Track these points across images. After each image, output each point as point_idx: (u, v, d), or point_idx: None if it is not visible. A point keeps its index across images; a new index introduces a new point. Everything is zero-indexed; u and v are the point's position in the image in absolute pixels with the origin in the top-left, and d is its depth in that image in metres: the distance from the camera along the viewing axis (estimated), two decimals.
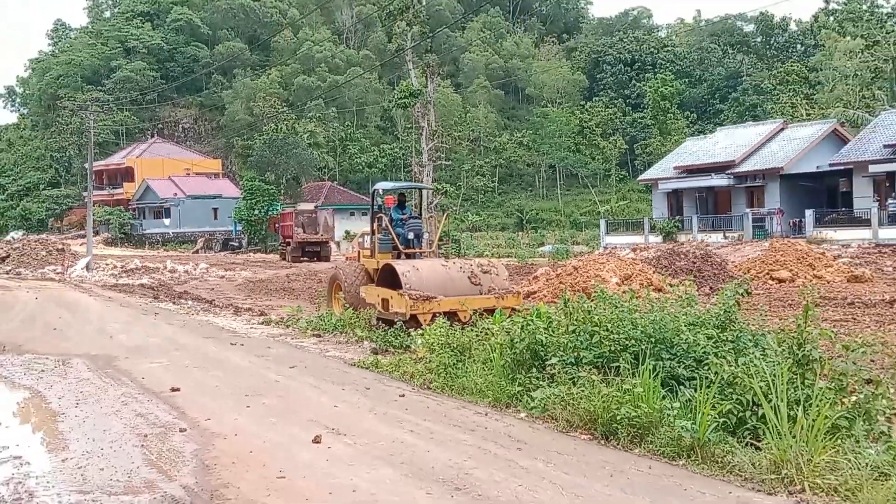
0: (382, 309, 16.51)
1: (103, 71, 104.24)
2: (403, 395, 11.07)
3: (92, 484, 7.41)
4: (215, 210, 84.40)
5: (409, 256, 17.87)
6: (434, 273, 16.21)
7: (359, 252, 20.20)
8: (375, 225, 18.55)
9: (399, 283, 15.89)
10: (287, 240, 57.96)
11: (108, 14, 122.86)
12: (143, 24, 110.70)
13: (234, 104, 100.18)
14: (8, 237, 70.18)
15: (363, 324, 17.42)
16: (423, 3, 64.11)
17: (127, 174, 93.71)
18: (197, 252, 71.18)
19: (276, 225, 64.38)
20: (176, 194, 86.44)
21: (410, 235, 18.41)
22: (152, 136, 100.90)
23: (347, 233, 77.21)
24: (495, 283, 16.55)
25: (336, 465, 7.85)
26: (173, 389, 11.64)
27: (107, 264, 46.70)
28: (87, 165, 56.87)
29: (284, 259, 56.24)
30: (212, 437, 9.04)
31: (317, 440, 8.64)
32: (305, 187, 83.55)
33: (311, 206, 61.75)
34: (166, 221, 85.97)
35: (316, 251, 56.66)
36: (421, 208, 20.89)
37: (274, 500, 6.87)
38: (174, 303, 27.13)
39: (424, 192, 21.32)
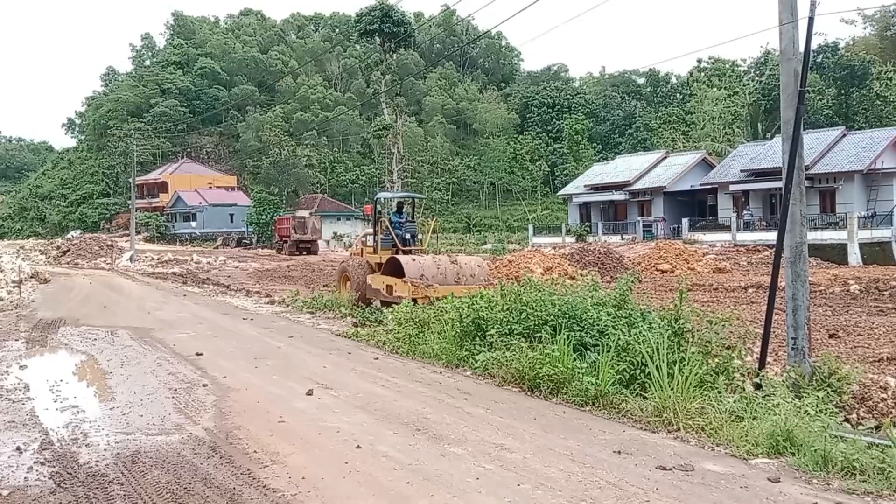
0: (386, 293, 16.28)
1: (144, 106, 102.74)
2: (377, 359, 11.06)
3: (133, 427, 7.34)
4: (231, 215, 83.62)
5: (405, 253, 17.40)
6: (430, 266, 15.87)
7: (362, 249, 19.87)
8: (378, 227, 18.30)
9: (401, 274, 15.68)
10: (284, 238, 58.18)
11: (148, 62, 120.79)
12: (176, 70, 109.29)
13: (247, 133, 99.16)
14: (68, 235, 69.08)
15: (347, 304, 17.38)
16: (394, 58, 63.83)
17: (162, 187, 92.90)
18: (217, 248, 70.67)
19: (275, 227, 64.16)
20: (201, 203, 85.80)
21: (407, 236, 18.18)
22: (182, 158, 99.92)
23: (335, 234, 76.89)
24: (477, 274, 16.26)
25: (324, 412, 7.83)
26: (198, 354, 11.56)
27: (146, 257, 46.13)
28: (130, 180, 59.01)
29: (280, 253, 56.60)
30: (227, 390, 8.99)
31: (309, 393, 8.62)
32: (302, 198, 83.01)
33: (305, 213, 61.56)
34: (193, 224, 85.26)
35: (307, 247, 57.08)
36: (413, 214, 20.16)
37: (275, 438, 6.84)
38: (199, 287, 26.83)
39: (417, 199, 21.17)
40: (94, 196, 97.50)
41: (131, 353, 11.94)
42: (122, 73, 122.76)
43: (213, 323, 15.99)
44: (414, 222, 19.33)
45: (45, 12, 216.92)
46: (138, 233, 67.13)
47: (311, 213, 61.56)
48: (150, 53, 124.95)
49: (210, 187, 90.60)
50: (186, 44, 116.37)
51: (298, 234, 57.15)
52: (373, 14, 59.21)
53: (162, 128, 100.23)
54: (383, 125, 60.04)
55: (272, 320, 16.44)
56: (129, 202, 59.06)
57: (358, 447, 6.48)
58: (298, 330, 14.63)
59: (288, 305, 19.14)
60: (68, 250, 46.70)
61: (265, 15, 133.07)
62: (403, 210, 19.39)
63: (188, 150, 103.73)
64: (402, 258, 16.25)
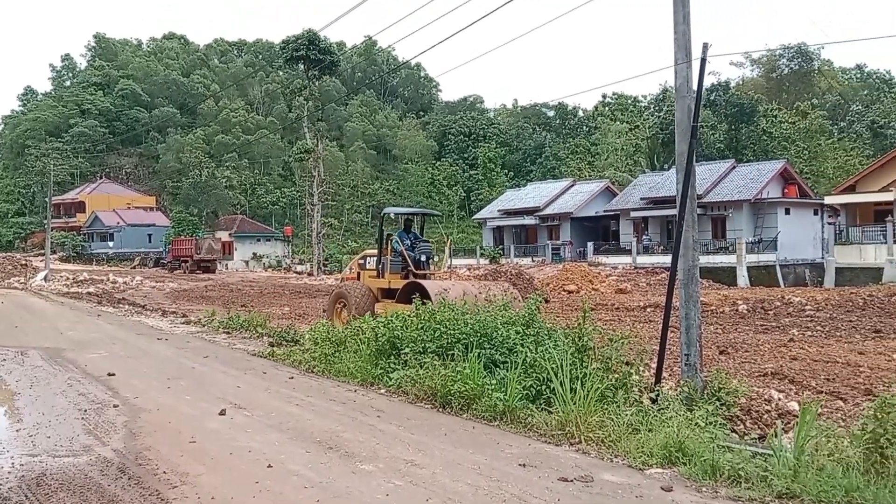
0: None
1: (63, 126, 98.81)
2: (292, 378, 10.81)
3: (40, 448, 6.93)
4: (150, 235, 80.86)
5: (420, 277, 14.82)
6: (458, 294, 12.75)
7: (359, 273, 16.72)
8: (386, 247, 15.44)
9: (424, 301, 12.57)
10: (183, 259, 61.21)
11: (68, 83, 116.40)
12: (97, 91, 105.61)
13: (167, 154, 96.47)
14: None
15: (263, 323, 16.95)
16: (317, 85, 63.43)
17: (79, 207, 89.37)
18: (134, 268, 68.51)
19: (173, 247, 64.72)
20: (118, 223, 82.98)
21: (422, 258, 15.45)
22: (101, 178, 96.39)
23: (255, 254, 75.43)
24: (510, 302, 12.66)
25: (237, 431, 7.58)
26: (110, 374, 11.05)
27: (61, 276, 44.09)
28: (47, 199, 57.88)
29: (172, 273, 58.59)
30: (139, 411, 8.60)
31: (222, 413, 8.33)
32: (222, 219, 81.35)
33: (208, 237, 64.82)
34: (110, 244, 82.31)
35: (207, 266, 60.43)
36: (422, 233, 16.82)
37: (186, 459, 6.57)
38: (114, 307, 25.75)
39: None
40: (9, 215, 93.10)
41: (41, 373, 11.31)
42: (41, 92, 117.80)
43: (126, 343, 15.34)
44: (428, 242, 16.24)
45: None
46: (54, 252, 64.37)
47: (210, 237, 65.41)
48: (70, 74, 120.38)
49: (128, 207, 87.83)
50: (108, 65, 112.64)
51: (200, 255, 60.45)
52: (299, 41, 58.75)
53: (81, 148, 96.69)
54: (304, 149, 59.40)
55: (187, 340, 15.89)
56: (45, 221, 56.91)
57: (269, 466, 6.28)
58: (214, 350, 14.18)
59: (204, 325, 18.52)
60: None
61: (188, 39, 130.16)
62: (412, 228, 16.24)
63: (107, 170, 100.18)
64: (427, 284, 13.54)
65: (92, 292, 33.71)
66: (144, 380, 10.73)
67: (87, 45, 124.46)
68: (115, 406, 8.84)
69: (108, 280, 42.07)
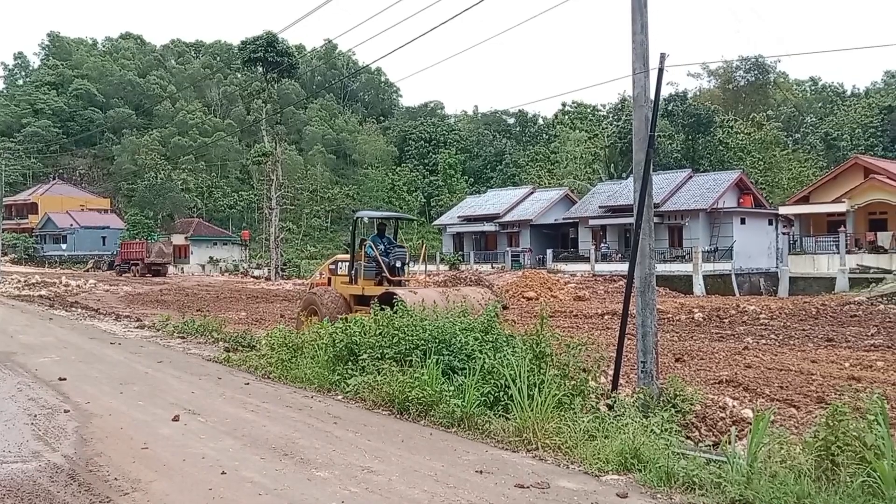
0: None
1: (15, 126, 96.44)
2: (248, 384, 10.66)
3: None
4: (104, 238, 79.31)
5: (393, 283, 14.40)
6: (437, 301, 12.41)
7: (330, 278, 16.05)
8: (360, 252, 14.87)
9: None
10: (134, 262, 60.64)
11: (21, 82, 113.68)
12: (50, 91, 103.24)
13: (122, 156, 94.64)
14: None
15: (219, 328, 16.68)
16: (276, 87, 62.96)
17: (32, 208, 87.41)
18: (88, 270, 67.09)
19: (122, 250, 64.03)
20: (72, 225, 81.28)
21: (398, 264, 14.94)
22: (54, 179, 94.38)
23: (211, 258, 74.38)
24: (488, 307, 12.08)
25: (190, 438, 7.44)
26: (61, 379, 10.78)
27: (12, 279, 42.99)
28: None
29: (120, 276, 57.91)
30: (90, 416, 8.40)
31: (175, 418, 8.18)
32: (178, 222, 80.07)
33: (159, 241, 64.13)
34: (63, 246, 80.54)
35: (158, 269, 59.82)
36: (396, 237, 16.25)
37: (138, 465, 6.42)
38: (67, 310, 25.14)
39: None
40: None
41: None
42: None
43: (79, 347, 14.97)
44: (404, 247, 15.77)
45: None
46: (5, 254, 62.87)
47: (161, 241, 64.86)
48: (23, 73, 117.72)
49: (82, 209, 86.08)
50: (62, 64, 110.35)
51: (151, 258, 59.98)
52: (258, 43, 58.28)
53: (33, 148, 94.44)
54: (263, 152, 58.88)
55: (141, 345, 15.56)
56: None
57: (223, 473, 6.16)
58: (168, 355, 13.91)
59: (158, 330, 18.17)
60: None
61: (145, 39, 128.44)
62: (386, 232, 15.66)
63: (60, 171, 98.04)
64: (400, 292, 12.95)
65: (44, 295, 32.88)
66: (96, 385, 10.49)
67: (40, 44, 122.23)
68: (65, 411, 8.63)
69: (61, 283, 41.15)
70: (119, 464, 6.45)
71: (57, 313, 24.09)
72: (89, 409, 8.76)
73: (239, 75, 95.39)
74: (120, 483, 5.90)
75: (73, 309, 25.54)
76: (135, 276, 57.72)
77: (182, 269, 69.95)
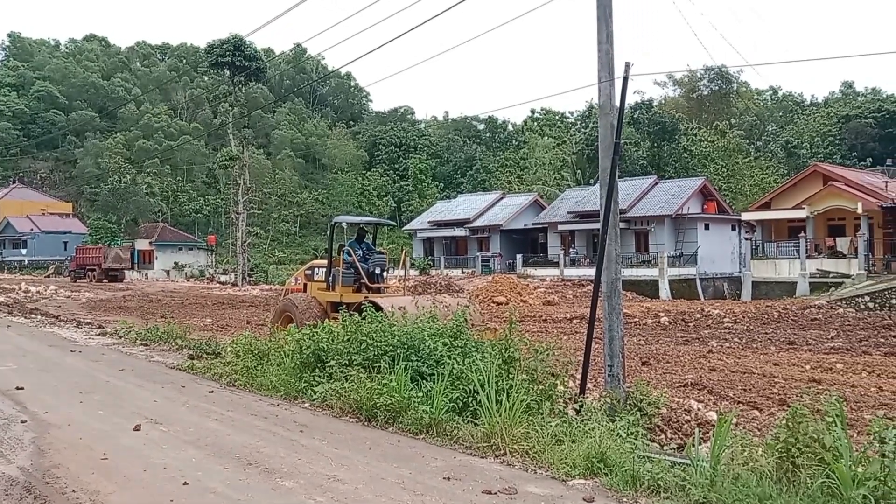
0: None
1: None
2: (212, 392, 10.50)
3: None
4: (66, 243, 77.72)
5: (372, 290, 14.28)
6: (413, 309, 11.50)
7: (305, 284, 15.69)
8: (338, 258, 14.61)
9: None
10: (90, 267, 60.12)
11: None
12: (10, 92, 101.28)
13: (85, 159, 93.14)
14: None
15: (183, 335, 16.42)
16: (243, 91, 62.45)
17: None
18: (48, 276, 65.83)
19: (77, 256, 62.98)
20: (32, 230, 79.73)
21: (377, 270, 14.69)
22: (14, 182, 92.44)
23: (176, 263, 73.41)
24: (472, 319, 12.10)
25: (152, 448, 7.30)
26: (18, 388, 10.51)
27: None
28: None
29: (75, 281, 57.38)
30: (48, 427, 8.19)
31: (137, 428, 8.01)
32: (143, 227, 78.90)
33: (116, 247, 63.57)
34: (23, 251, 79.00)
35: (115, 275, 59.65)
36: (375, 243, 15.98)
37: (97, 477, 6.28)
38: (26, 317, 24.58)
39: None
40: None
41: None
42: None
43: (37, 355, 14.63)
44: (383, 253, 15.58)
45: None
46: None
47: (121, 247, 64.58)
48: None
49: (43, 214, 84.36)
50: (23, 66, 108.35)
51: (108, 263, 59.72)
52: (224, 46, 57.76)
53: None
54: (230, 156, 58.34)
55: (102, 353, 15.24)
56: None
57: (185, 484, 6.06)
58: (130, 362, 13.65)
59: (121, 337, 17.80)
60: None
61: (109, 41, 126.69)
62: (365, 238, 15.43)
63: (21, 174, 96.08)
64: (380, 301, 12.65)
65: (2, 301, 32.11)
66: (55, 394, 10.26)
67: (0, 45, 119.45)
68: (22, 421, 8.42)
69: (21, 289, 40.30)
70: (77, 475, 6.31)
71: (16, 320, 23.56)
72: (47, 419, 8.56)
73: (206, 78, 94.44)
74: (78, 495, 5.77)
75: (33, 316, 25.00)
76: (91, 281, 57.14)
77: (146, 274, 68.91)
